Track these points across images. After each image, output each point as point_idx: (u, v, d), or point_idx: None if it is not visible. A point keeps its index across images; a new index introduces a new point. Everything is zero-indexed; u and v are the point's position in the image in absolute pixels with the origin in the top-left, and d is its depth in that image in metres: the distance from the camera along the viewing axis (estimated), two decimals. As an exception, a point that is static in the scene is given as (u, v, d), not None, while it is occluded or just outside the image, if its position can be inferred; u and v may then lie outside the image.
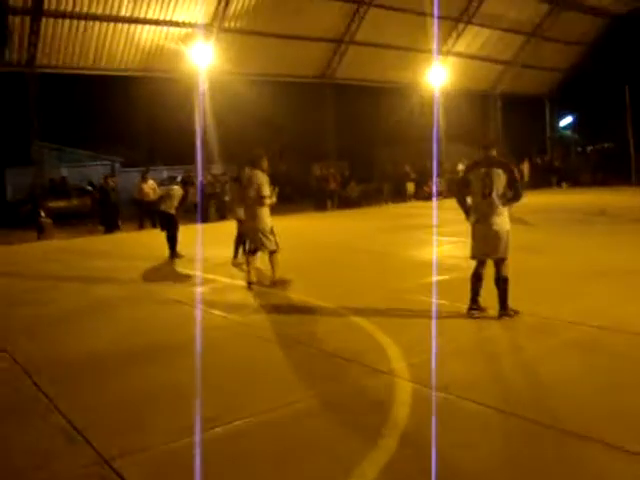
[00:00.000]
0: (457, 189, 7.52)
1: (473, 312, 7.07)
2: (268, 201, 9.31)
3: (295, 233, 15.90)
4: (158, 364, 5.99)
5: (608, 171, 32.87)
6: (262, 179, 9.26)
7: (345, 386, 5.14)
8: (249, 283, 9.42)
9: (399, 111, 30.20)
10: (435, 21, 27.31)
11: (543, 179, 33.45)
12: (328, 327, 7.10)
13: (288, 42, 26.02)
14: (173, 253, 13.06)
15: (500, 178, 6.79)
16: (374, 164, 34.31)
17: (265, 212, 9.33)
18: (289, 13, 24.74)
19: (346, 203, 26.55)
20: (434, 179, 27.87)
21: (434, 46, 28.52)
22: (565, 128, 39.28)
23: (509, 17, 31.16)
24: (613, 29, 35.53)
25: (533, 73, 36.25)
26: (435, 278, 9.49)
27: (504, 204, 6.88)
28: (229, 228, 13.13)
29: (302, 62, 27.46)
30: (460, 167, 31.25)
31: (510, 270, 7.02)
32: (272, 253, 9.41)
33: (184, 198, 13.38)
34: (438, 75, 29.67)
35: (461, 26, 30.15)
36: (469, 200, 7.14)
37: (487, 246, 6.95)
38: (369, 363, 5.62)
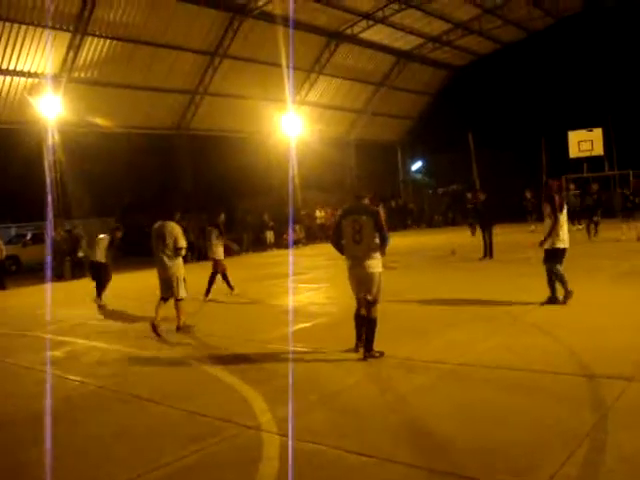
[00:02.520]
0: (333, 234, 7.92)
1: (367, 355, 7.23)
2: (184, 252, 9.86)
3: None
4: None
5: (457, 211, 34.76)
6: (177, 231, 9.77)
7: (211, 445, 4.95)
8: (154, 326, 9.47)
9: (257, 160, 30.46)
10: (289, 72, 27.96)
11: (398, 221, 34.80)
12: (192, 383, 6.86)
13: (142, 93, 25.71)
14: (99, 294, 13.54)
15: (369, 224, 7.18)
16: (235, 214, 34.26)
17: (180, 261, 9.79)
18: (143, 64, 24.54)
19: (206, 255, 26.09)
20: (290, 227, 27.99)
21: (288, 96, 29.14)
22: (416, 172, 41.22)
23: (359, 68, 32.60)
24: (456, 79, 38.09)
25: (384, 120, 37.98)
26: (298, 326, 9.50)
27: (375, 249, 7.23)
28: (85, 287, 12.56)
29: (157, 113, 27.17)
30: (318, 214, 31.99)
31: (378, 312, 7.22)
32: (179, 300, 9.72)
33: (111, 243, 13.74)
34: (292, 124, 30.29)
35: (313, 76, 31.10)
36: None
37: (359, 288, 7.37)
38: (234, 419, 5.47)
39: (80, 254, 20.90)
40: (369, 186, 10.71)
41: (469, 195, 29.60)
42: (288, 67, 27.44)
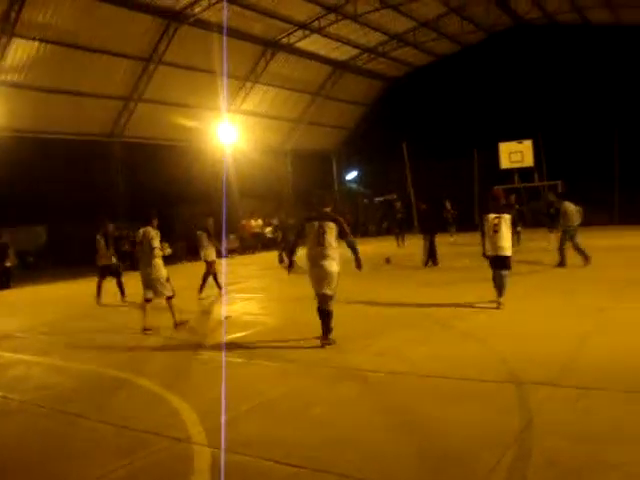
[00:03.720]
0: (295, 236, 9.06)
1: (324, 342, 8.19)
2: (159, 252, 10.52)
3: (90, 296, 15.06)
4: None
5: (391, 221, 35.12)
6: (152, 234, 10.52)
7: (141, 459, 4.83)
8: (145, 329, 10.22)
9: (193, 169, 30.05)
10: (224, 80, 27.80)
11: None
12: (121, 396, 6.68)
13: (73, 98, 25.03)
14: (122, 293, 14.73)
15: (332, 230, 8.21)
16: (173, 223, 33.75)
17: (159, 262, 10.51)
18: (74, 69, 23.88)
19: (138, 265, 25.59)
20: (223, 236, 27.67)
21: (223, 104, 28.94)
22: (352, 181, 41.48)
23: (295, 77, 32.63)
24: (391, 90, 38.60)
25: (320, 130, 38.11)
26: (231, 336, 9.39)
27: (336, 251, 8.25)
28: (10, 298, 12.14)
29: (89, 120, 26.49)
30: (254, 223, 31.83)
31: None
32: (169, 298, 10.49)
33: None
34: (228, 133, 30.10)
35: (249, 85, 30.96)
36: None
37: (320, 285, 8.23)
38: (165, 432, 5.35)
39: (7, 263, 20.26)
40: (330, 196, 11.70)
41: (398, 204, 30.06)
42: (223, 75, 27.27)
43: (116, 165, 28.35)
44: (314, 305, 8.39)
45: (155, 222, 10.82)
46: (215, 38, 25.18)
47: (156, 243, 10.47)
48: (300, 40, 29.68)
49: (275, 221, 31.35)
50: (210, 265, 14.66)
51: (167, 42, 25.41)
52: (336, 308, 8.41)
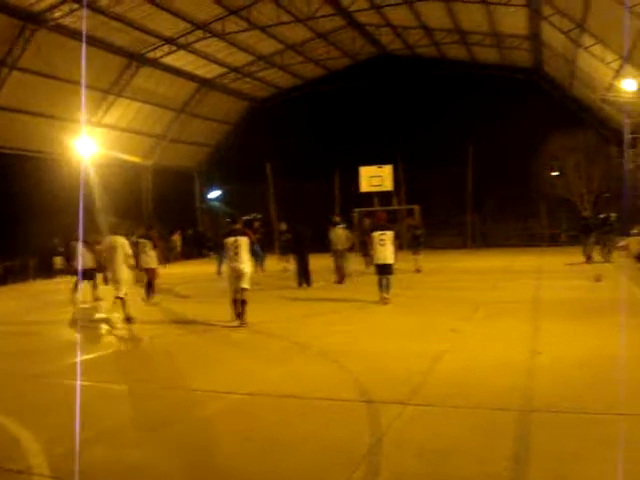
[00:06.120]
0: (223, 250, 12.48)
1: (242, 324, 11.18)
2: (131, 259, 12.56)
3: None
4: None
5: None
6: (123, 242, 12.41)
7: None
8: (127, 318, 12.12)
9: (48, 182, 28.39)
10: (84, 91, 26.64)
11: (195, 249, 34.45)
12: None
13: None
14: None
15: (245, 242, 11.44)
16: (19, 238, 31.66)
17: (124, 267, 12.27)
18: None
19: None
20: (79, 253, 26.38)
21: (83, 116, 27.70)
22: (215, 200, 41.01)
23: (159, 92, 31.88)
24: (257, 110, 38.69)
25: (183, 147, 37.46)
26: (77, 359, 8.90)
27: (248, 258, 11.53)
28: None
29: None
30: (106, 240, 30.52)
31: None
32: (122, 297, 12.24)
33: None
34: (87, 146, 28.73)
35: (112, 98, 29.85)
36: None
37: (239, 282, 11.31)
38: (2, 463, 4.93)
39: None
40: (240, 215, 14.74)
41: (256, 224, 30.15)
42: (84, 86, 26.13)
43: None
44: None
45: (122, 231, 12.88)
46: (76, 46, 24.16)
47: (129, 250, 12.37)
48: (166, 55, 29.12)
49: (134, 237, 30.35)
50: (152, 272, 15.55)
51: (23, 45, 23.90)
52: (186, 334, 8.16)
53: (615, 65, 23.74)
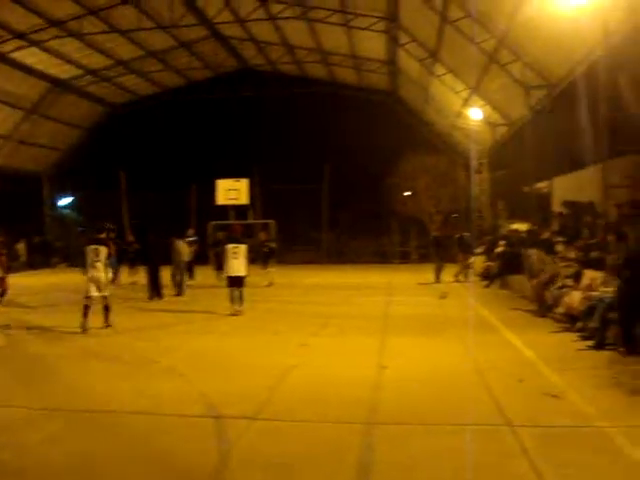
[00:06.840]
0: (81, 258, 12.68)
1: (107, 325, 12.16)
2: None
3: None
4: None
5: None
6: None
7: None
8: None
9: None
10: None
11: (42, 259, 32.69)
12: None
13: None
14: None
15: (104, 251, 12.24)
16: None
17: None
18: None
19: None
20: None
21: None
22: (66, 207, 39.14)
23: (7, 90, 29.98)
24: (113, 116, 37.38)
25: (32, 150, 35.34)
26: None
27: (105, 265, 12.30)
28: None
29: None
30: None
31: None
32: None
33: None
34: None
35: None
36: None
37: (95, 288, 12.08)
38: None
39: None
40: (105, 225, 13.73)
41: (112, 234, 29.02)
42: None
43: None
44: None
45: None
46: None
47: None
48: (16, 50, 27.39)
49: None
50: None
51: None
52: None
53: (464, 94, 25.19)
